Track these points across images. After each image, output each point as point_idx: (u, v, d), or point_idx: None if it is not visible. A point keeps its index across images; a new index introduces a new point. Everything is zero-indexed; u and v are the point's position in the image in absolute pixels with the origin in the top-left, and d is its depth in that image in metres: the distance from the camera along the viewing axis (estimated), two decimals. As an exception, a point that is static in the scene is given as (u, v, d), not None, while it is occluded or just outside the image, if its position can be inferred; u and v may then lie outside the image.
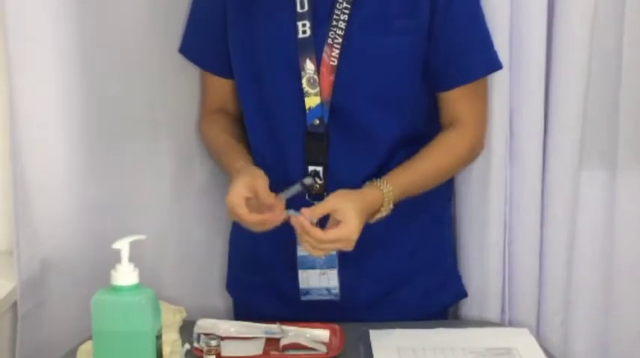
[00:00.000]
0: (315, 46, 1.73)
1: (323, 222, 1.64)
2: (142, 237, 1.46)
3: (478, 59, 1.80)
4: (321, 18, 1.73)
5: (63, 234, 1.90)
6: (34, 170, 1.86)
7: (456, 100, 1.79)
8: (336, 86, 1.73)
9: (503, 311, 1.96)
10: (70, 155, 1.89)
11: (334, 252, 1.73)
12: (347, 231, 1.60)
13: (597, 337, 2.01)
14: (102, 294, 1.43)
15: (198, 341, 1.64)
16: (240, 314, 1.93)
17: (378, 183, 1.70)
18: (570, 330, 2.00)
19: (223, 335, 1.68)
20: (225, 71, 1.86)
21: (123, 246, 1.43)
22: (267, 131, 1.79)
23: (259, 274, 1.88)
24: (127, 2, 1.88)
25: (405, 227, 1.81)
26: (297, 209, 1.64)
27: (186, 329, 1.73)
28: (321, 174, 1.75)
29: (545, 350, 1.72)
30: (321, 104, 1.74)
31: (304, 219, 1.61)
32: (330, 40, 1.72)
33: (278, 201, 1.65)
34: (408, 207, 1.75)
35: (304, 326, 1.72)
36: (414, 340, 1.72)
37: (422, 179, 1.76)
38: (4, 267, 1.92)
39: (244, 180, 1.66)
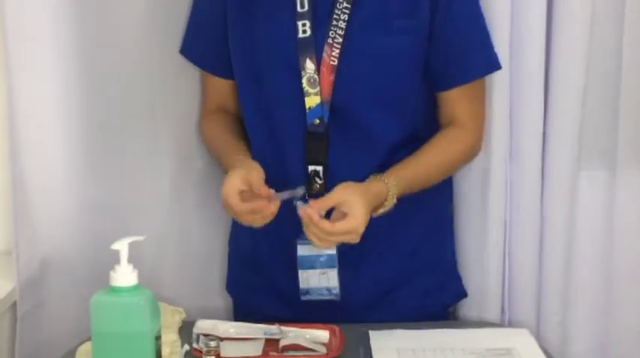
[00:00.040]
0: (316, 45, 1.73)
1: (326, 215, 1.64)
2: (141, 238, 1.46)
3: (478, 59, 1.80)
4: (321, 18, 1.73)
5: (62, 234, 1.90)
6: (33, 170, 1.86)
7: (455, 100, 1.79)
8: (336, 86, 1.73)
9: (503, 311, 1.96)
10: (70, 155, 1.89)
11: (334, 252, 1.73)
12: (354, 223, 1.60)
13: (597, 337, 2.01)
14: (101, 295, 1.43)
15: (198, 342, 1.63)
16: (240, 314, 1.93)
17: (382, 176, 1.70)
18: (570, 331, 2.00)
19: (222, 335, 1.68)
20: (225, 72, 1.86)
21: (122, 246, 1.43)
22: (267, 131, 1.79)
23: (259, 274, 1.88)
24: (127, 2, 1.88)
25: (405, 227, 1.81)
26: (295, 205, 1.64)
27: (186, 330, 1.73)
28: (321, 174, 1.75)
29: (545, 351, 1.72)
30: (321, 104, 1.74)
31: (312, 210, 1.61)
32: (330, 40, 1.72)
33: (272, 196, 1.65)
34: (408, 208, 1.75)
35: (304, 327, 1.72)
36: (414, 341, 1.72)
37: (424, 174, 1.77)
38: (3, 268, 1.92)
39: (239, 173, 1.66)
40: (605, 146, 1.97)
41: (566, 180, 1.94)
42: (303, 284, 1.77)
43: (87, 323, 1.45)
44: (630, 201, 1.98)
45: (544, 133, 1.92)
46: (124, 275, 1.42)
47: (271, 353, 1.66)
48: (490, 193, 1.92)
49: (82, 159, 1.90)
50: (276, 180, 1.69)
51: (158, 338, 1.45)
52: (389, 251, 1.82)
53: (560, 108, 1.91)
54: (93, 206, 1.91)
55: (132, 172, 1.94)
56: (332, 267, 1.76)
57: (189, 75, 1.94)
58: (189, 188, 1.99)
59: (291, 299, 1.78)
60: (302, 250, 1.73)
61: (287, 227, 1.70)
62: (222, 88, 1.89)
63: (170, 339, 1.66)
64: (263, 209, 1.63)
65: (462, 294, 1.94)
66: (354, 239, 1.63)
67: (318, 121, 1.74)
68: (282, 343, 1.68)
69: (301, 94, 1.74)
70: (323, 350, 1.67)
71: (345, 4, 1.72)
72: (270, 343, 1.69)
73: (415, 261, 1.85)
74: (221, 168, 1.83)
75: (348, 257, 1.74)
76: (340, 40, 1.72)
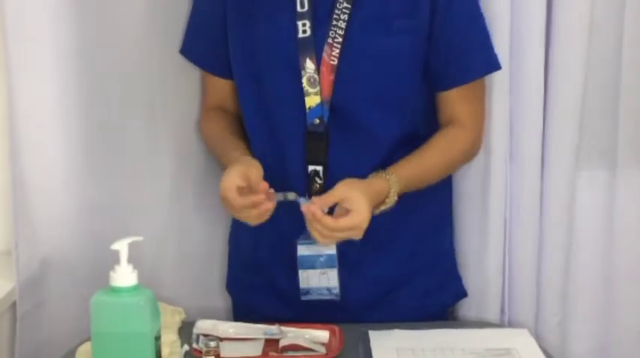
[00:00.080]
0: (315, 45, 1.73)
1: (328, 213, 1.64)
2: (141, 238, 1.46)
3: (477, 59, 1.80)
4: (321, 17, 1.73)
5: (62, 234, 1.90)
6: (33, 170, 1.86)
7: (455, 100, 1.79)
8: (336, 85, 1.73)
9: (502, 311, 1.96)
10: (70, 155, 1.89)
11: (334, 252, 1.73)
12: (358, 219, 1.60)
13: (597, 338, 2.01)
14: (101, 295, 1.43)
15: (197, 342, 1.64)
16: (240, 314, 1.93)
17: (383, 173, 1.70)
18: (569, 331, 2.00)
19: (222, 336, 1.69)
20: (225, 72, 1.86)
21: (122, 247, 1.43)
22: (267, 131, 1.79)
23: (259, 274, 1.88)
24: (127, 2, 1.87)
25: (404, 227, 1.81)
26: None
27: (186, 330, 1.73)
28: (321, 174, 1.75)
29: (545, 351, 1.72)
30: (321, 103, 1.74)
31: (316, 207, 1.61)
32: (330, 40, 1.72)
33: (270, 193, 1.65)
34: (408, 207, 1.75)
35: (303, 327, 1.72)
36: (414, 340, 1.72)
37: (425, 172, 1.77)
38: (3, 268, 1.92)
39: (238, 169, 1.65)
40: (605, 146, 1.97)
41: (566, 180, 1.94)
42: (303, 284, 1.77)
43: (87, 324, 1.45)
44: (630, 201, 1.98)
45: (544, 133, 1.92)
46: (124, 276, 1.42)
47: (271, 353, 1.66)
48: (490, 193, 1.92)
49: (82, 159, 1.90)
50: (276, 180, 1.69)
51: (158, 338, 1.45)
52: (389, 251, 1.82)
53: (560, 108, 1.91)
54: (93, 206, 1.91)
55: (132, 172, 1.94)
56: (332, 266, 1.76)
57: (189, 75, 1.94)
58: (189, 188, 1.99)
59: (291, 299, 1.78)
60: (302, 250, 1.73)
61: (287, 227, 1.71)
62: (222, 87, 1.89)
63: (170, 339, 1.66)
64: (261, 203, 1.63)
65: (462, 294, 1.94)
66: (358, 235, 1.62)
67: (318, 121, 1.74)
68: (282, 343, 1.68)
69: (301, 94, 1.74)
70: (322, 350, 1.67)
71: (345, 4, 1.72)
72: (270, 343, 1.69)
73: (415, 261, 1.85)
74: (220, 165, 1.83)
75: (348, 257, 1.74)
76: (340, 39, 1.72)
